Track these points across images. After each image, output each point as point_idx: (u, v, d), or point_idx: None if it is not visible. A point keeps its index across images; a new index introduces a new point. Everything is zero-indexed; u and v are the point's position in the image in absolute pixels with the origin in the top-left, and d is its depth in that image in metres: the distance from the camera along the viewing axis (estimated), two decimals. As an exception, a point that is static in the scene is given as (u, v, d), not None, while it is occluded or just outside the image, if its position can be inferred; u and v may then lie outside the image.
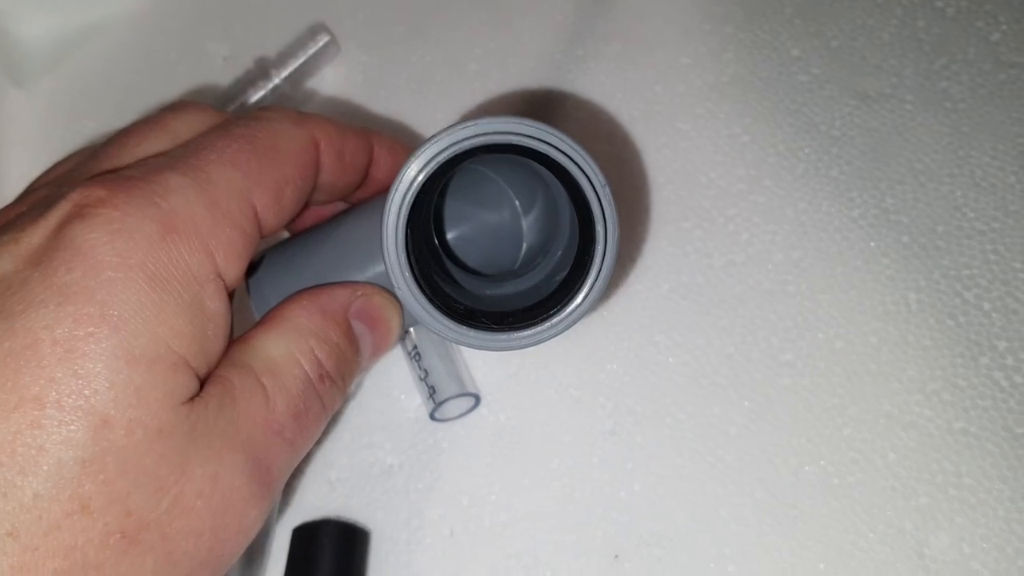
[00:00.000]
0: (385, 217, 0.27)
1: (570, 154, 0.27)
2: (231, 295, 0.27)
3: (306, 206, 0.32)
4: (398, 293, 0.28)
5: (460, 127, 0.27)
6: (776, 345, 0.38)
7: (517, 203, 0.35)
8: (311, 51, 0.46)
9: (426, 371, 0.37)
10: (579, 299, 0.28)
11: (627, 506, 0.36)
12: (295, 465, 0.29)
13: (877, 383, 0.37)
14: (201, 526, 0.25)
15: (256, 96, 0.45)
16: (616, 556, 0.35)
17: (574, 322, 0.29)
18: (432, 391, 0.37)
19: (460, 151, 0.27)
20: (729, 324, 0.39)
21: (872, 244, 0.40)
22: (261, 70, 0.45)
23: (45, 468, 0.22)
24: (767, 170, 0.42)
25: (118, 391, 0.23)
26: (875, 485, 0.36)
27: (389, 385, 0.39)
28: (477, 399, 0.38)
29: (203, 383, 0.25)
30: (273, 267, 0.33)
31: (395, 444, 0.38)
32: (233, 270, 0.26)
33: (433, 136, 0.27)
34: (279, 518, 0.37)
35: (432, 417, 0.38)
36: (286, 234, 0.36)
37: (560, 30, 0.47)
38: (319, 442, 0.38)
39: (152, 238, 0.24)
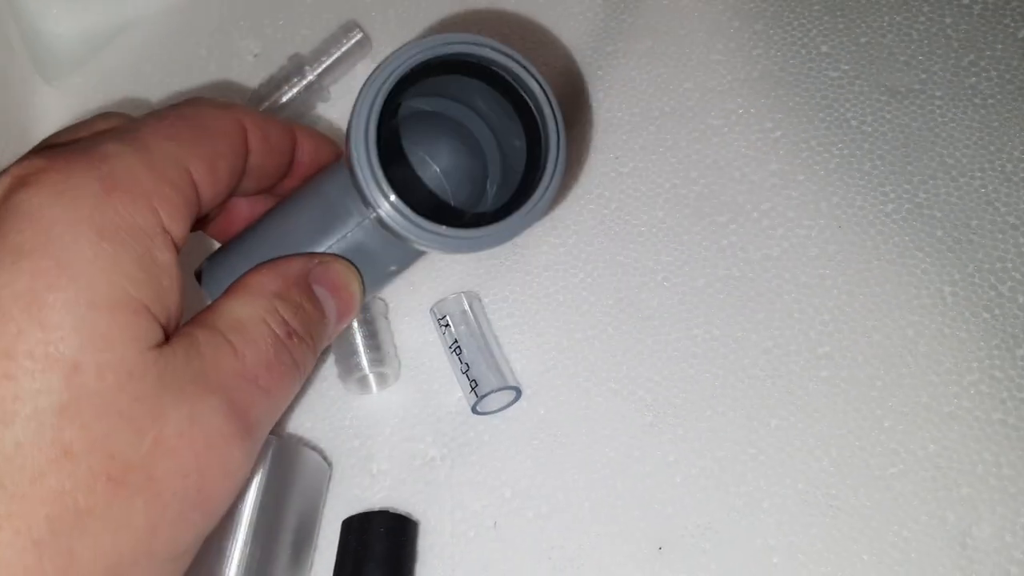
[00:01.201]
0: (356, 119, 0.30)
1: (518, 59, 0.32)
2: (178, 252, 0.28)
3: (239, 203, 0.35)
4: (381, 212, 0.29)
5: (414, 45, 0.30)
6: (814, 338, 0.39)
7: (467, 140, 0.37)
8: (344, 48, 0.46)
9: (468, 364, 0.37)
10: (546, 179, 0.32)
11: (670, 498, 0.36)
12: (275, 416, 0.30)
13: (915, 375, 0.38)
14: (185, 465, 0.26)
15: (289, 94, 0.45)
16: (660, 548, 0.35)
17: (550, 200, 0.32)
18: (474, 384, 0.37)
19: (417, 61, 0.30)
20: (766, 318, 0.39)
21: (906, 238, 0.40)
22: (294, 66, 0.45)
23: (23, 417, 0.23)
24: (800, 165, 0.43)
25: (84, 337, 0.24)
26: (916, 476, 0.36)
27: (429, 379, 0.39)
28: (518, 392, 0.38)
29: (168, 336, 0.27)
30: (224, 254, 0.34)
31: (436, 437, 0.38)
32: (177, 227, 0.28)
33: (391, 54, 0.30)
34: (322, 509, 0.37)
35: (474, 410, 0.38)
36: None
37: (590, 26, 0.47)
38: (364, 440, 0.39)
39: (96, 195, 0.25)
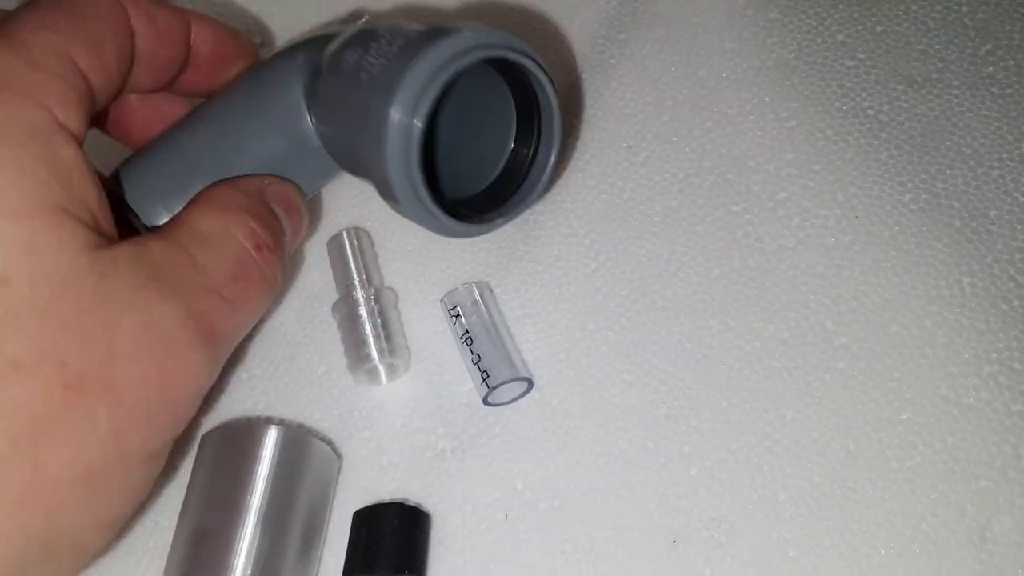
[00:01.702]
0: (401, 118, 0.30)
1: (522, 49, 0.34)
2: (80, 146, 0.27)
3: (139, 100, 0.35)
4: (400, 195, 0.32)
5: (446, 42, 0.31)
6: (831, 329, 0.38)
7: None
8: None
9: (479, 355, 0.37)
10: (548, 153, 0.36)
11: (684, 491, 0.36)
12: (242, 329, 0.31)
13: (933, 367, 0.37)
14: (145, 371, 0.26)
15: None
16: (674, 541, 0.35)
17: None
18: (485, 375, 0.36)
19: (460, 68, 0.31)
20: (782, 308, 0.39)
21: (924, 228, 0.40)
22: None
23: None
24: (816, 154, 0.42)
25: (6, 248, 0.23)
26: (934, 468, 0.35)
27: (440, 370, 0.39)
28: (530, 383, 0.38)
29: (106, 239, 0.26)
30: (148, 161, 0.34)
31: (447, 429, 0.38)
32: (74, 121, 0.27)
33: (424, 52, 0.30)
34: (332, 501, 0.36)
35: (485, 402, 0.37)
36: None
37: (602, 14, 0.47)
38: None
39: None
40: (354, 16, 0.46)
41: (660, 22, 0.46)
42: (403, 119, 0.30)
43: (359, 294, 0.38)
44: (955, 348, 0.37)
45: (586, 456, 0.37)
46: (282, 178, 0.33)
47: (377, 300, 0.38)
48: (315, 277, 0.41)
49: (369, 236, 0.42)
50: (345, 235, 0.40)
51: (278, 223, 0.32)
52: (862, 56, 0.44)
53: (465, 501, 0.36)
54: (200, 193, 0.31)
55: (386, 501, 0.35)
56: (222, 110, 0.35)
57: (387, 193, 0.33)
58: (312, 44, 0.35)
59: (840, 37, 0.45)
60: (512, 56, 0.33)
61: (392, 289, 0.40)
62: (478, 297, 0.38)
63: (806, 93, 0.44)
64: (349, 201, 0.43)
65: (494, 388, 0.36)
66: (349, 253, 0.39)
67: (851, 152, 0.42)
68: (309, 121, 0.34)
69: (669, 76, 0.45)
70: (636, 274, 0.40)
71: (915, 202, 0.40)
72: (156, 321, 0.26)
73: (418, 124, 0.30)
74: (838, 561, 0.34)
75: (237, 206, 0.30)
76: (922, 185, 0.41)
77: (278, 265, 0.32)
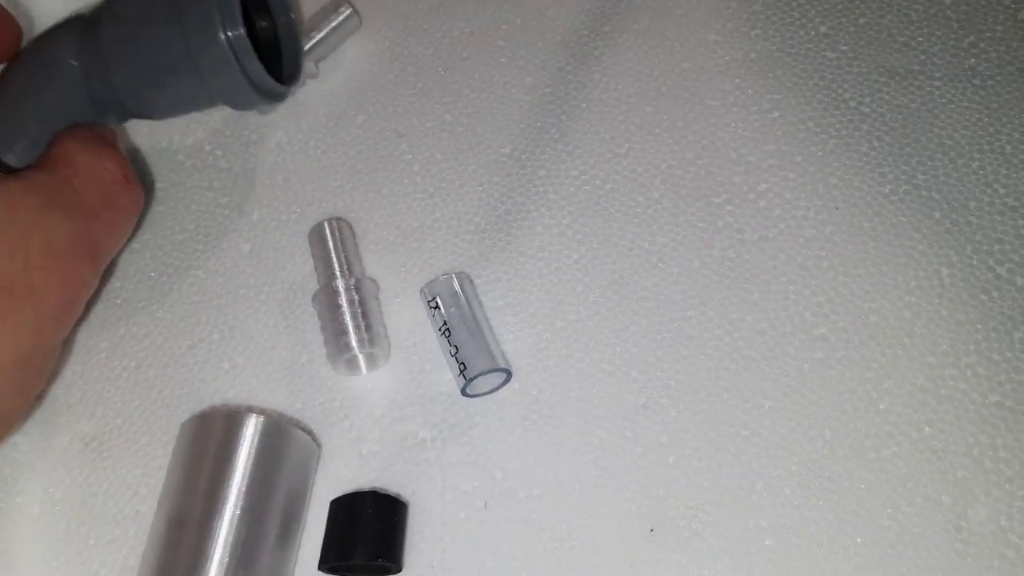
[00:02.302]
0: None
1: None
2: None
3: None
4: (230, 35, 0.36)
5: None
6: (810, 320, 0.38)
7: None
8: (332, 24, 0.45)
9: (456, 347, 0.37)
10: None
11: (662, 480, 0.36)
12: (115, 248, 0.38)
13: (911, 357, 0.37)
14: (54, 279, 0.33)
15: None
16: (652, 530, 0.35)
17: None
18: (463, 367, 0.37)
19: None
20: (762, 299, 0.39)
21: (904, 219, 0.40)
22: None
23: None
24: (797, 146, 0.42)
25: None
26: (911, 459, 0.35)
27: (420, 360, 0.39)
28: (508, 374, 0.38)
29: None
30: None
31: (427, 418, 0.38)
32: None
33: None
34: (311, 490, 0.37)
35: (464, 393, 0.37)
36: None
37: (587, 5, 0.47)
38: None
39: None
40: (335, 4, 0.46)
41: (644, 14, 0.46)
42: (235, 33, 0.36)
43: (340, 284, 0.38)
44: (933, 338, 0.38)
45: (565, 445, 0.37)
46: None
47: (358, 290, 0.38)
48: (296, 267, 0.41)
49: (351, 227, 0.42)
50: (327, 225, 0.40)
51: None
52: (844, 48, 0.45)
53: (445, 490, 0.36)
54: (68, 132, 0.37)
55: (363, 489, 0.35)
56: (10, 107, 0.39)
57: (235, 96, 0.39)
58: (68, 21, 0.40)
59: (823, 29, 0.45)
60: None
61: (373, 280, 0.40)
62: (457, 288, 0.38)
63: (788, 85, 0.44)
64: (331, 192, 0.43)
65: (471, 380, 0.36)
66: (330, 243, 0.39)
67: (832, 143, 0.42)
68: (92, 87, 0.38)
69: (652, 68, 0.45)
70: (617, 265, 0.40)
71: (895, 193, 0.41)
72: (56, 239, 0.33)
73: (242, 32, 0.36)
74: (814, 549, 0.34)
75: (104, 143, 0.37)
76: (903, 176, 0.41)
77: (139, 198, 0.38)
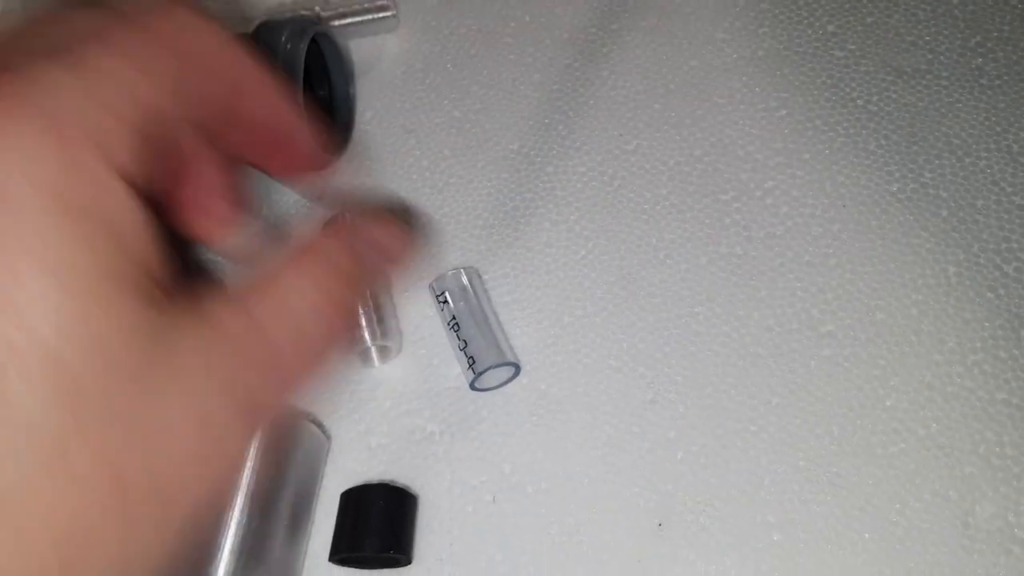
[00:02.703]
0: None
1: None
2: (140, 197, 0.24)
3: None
4: None
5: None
6: (817, 317, 0.38)
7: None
8: (369, 17, 0.46)
9: (465, 341, 0.37)
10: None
11: (670, 475, 0.36)
12: (289, 401, 0.26)
13: (918, 354, 0.37)
14: (195, 471, 0.22)
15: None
16: (660, 524, 0.35)
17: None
18: (472, 361, 0.37)
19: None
20: (769, 296, 0.39)
21: (911, 217, 0.40)
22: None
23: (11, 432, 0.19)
24: (805, 144, 0.42)
25: (65, 325, 0.20)
26: (918, 455, 0.36)
27: (430, 354, 0.39)
28: (517, 368, 0.38)
29: (171, 307, 0.23)
30: None
31: (435, 412, 0.38)
32: (140, 172, 0.23)
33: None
34: (320, 482, 0.37)
35: (472, 387, 0.37)
36: None
37: (595, 3, 0.47)
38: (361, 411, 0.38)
39: (49, 150, 0.21)
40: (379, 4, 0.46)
41: (652, 11, 0.46)
42: None
43: (349, 278, 0.38)
44: (940, 336, 0.38)
45: (573, 440, 0.37)
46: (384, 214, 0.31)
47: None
48: (306, 262, 0.41)
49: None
50: (339, 219, 0.40)
51: (358, 269, 0.28)
52: (852, 47, 0.45)
53: (453, 483, 0.37)
54: (288, 253, 0.26)
55: (373, 482, 0.36)
56: None
57: None
58: None
59: (831, 28, 0.45)
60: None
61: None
62: (466, 282, 0.39)
63: (796, 83, 0.44)
64: (341, 188, 0.43)
65: (480, 374, 0.37)
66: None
67: (840, 142, 0.42)
68: None
69: (660, 65, 0.45)
70: (625, 261, 0.40)
71: (903, 191, 0.41)
72: (214, 414, 0.23)
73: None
74: (821, 545, 0.34)
75: (320, 258, 0.26)
76: (910, 175, 0.41)
77: (343, 330, 0.28)
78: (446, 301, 0.38)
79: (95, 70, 0.23)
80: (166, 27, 0.25)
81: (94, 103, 0.22)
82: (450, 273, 0.39)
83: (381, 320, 0.37)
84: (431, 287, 0.39)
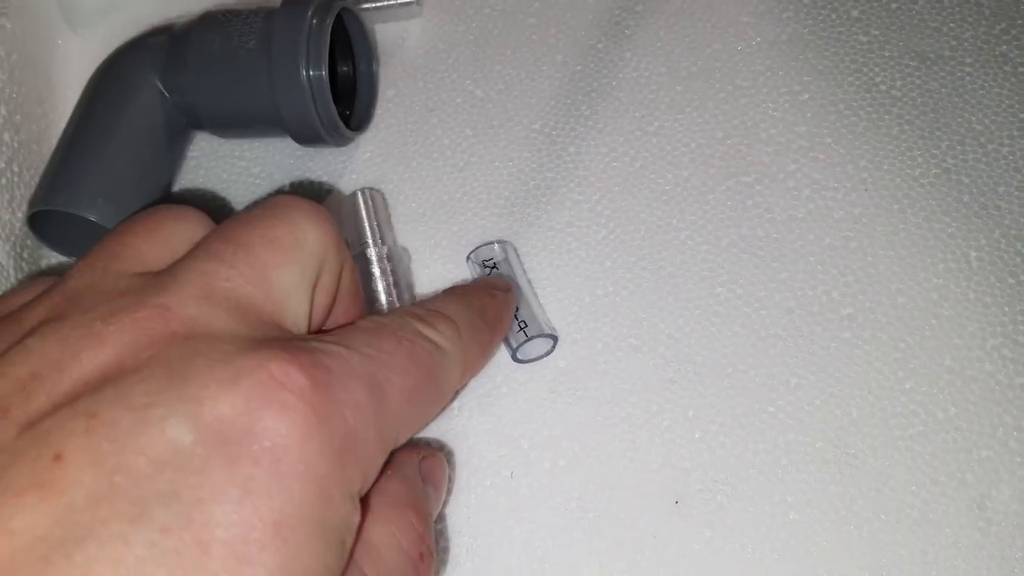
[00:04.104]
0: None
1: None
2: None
3: None
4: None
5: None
6: (837, 299, 0.38)
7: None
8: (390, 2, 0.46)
9: (516, 307, 0.37)
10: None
11: (688, 453, 0.36)
12: None
13: (938, 338, 0.37)
14: None
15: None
16: (676, 502, 0.35)
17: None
18: (523, 324, 0.37)
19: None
20: (789, 278, 0.39)
21: (933, 202, 0.40)
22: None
23: None
24: (827, 128, 0.42)
25: None
26: (936, 438, 0.36)
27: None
28: (555, 341, 0.38)
29: None
30: (55, 176, 0.39)
31: (455, 387, 0.38)
32: (368, 488, 0.25)
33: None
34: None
35: (515, 358, 0.37)
36: None
37: (619, -15, 0.47)
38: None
39: (334, 454, 0.22)
40: None
41: (676, -6, 0.46)
42: (316, 73, 0.38)
43: (372, 252, 0.38)
44: (960, 320, 0.38)
45: (592, 417, 0.37)
46: (431, 448, 0.33)
47: (390, 258, 0.39)
48: (328, 237, 0.42)
49: (383, 196, 0.42)
50: (360, 195, 0.40)
51: (432, 516, 0.30)
52: (876, 32, 0.45)
53: (470, 457, 0.37)
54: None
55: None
56: (96, 119, 0.40)
57: (303, 132, 0.40)
58: (149, 43, 0.42)
59: (855, 13, 0.45)
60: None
61: (405, 248, 0.40)
62: (513, 253, 0.39)
63: (819, 67, 0.44)
64: (364, 163, 0.44)
65: (531, 338, 0.37)
66: (363, 212, 0.40)
67: (862, 126, 0.42)
68: (172, 104, 0.41)
69: (683, 47, 0.45)
70: (646, 241, 0.40)
71: (925, 176, 0.41)
72: None
73: (324, 73, 0.38)
74: (838, 525, 0.34)
75: (402, 502, 0.27)
76: (932, 160, 0.41)
77: (434, 569, 0.28)
78: (495, 267, 0.38)
79: (387, 407, 0.25)
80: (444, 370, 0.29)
81: (376, 432, 0.24)
82: (496, 244, 0.39)
83: (401, 296, 0.38)
84: (470, 258, 0.39)
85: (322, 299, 0.29)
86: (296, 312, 0.26)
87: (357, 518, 0.23)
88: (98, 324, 0.23)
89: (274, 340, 0.24)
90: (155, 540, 0.19)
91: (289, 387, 0.21)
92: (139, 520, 0.19)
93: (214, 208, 0.43)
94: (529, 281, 0.39)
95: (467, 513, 0.36)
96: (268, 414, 0.21)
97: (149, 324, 0.23)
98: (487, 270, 0.39)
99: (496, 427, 0.37)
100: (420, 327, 0.29)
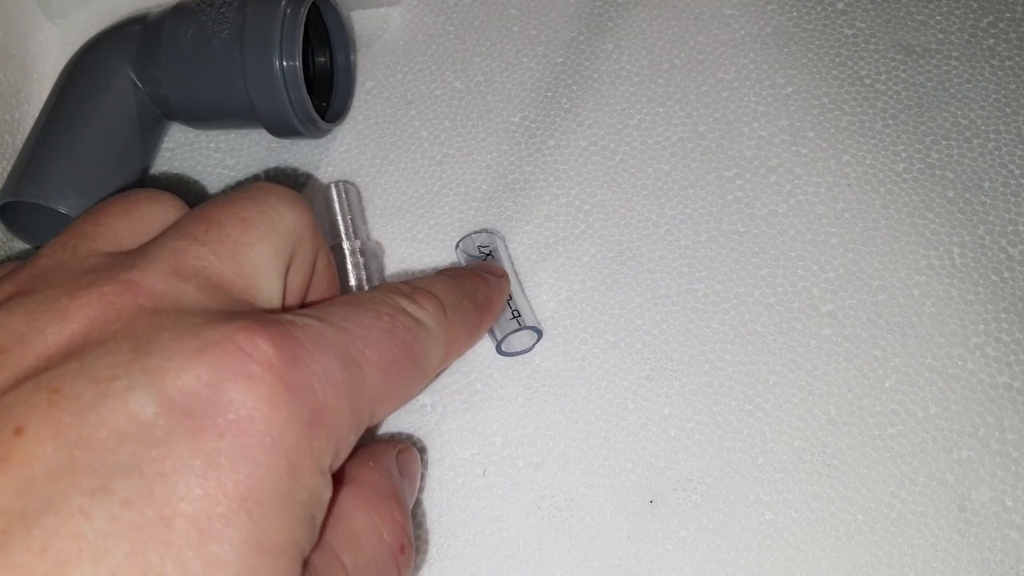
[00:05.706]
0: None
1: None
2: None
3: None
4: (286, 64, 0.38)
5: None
6: (817, 296, 0.38)
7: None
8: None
9: (510, 295, 0.37)
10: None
11: (663, 452, 0.35)
12: None
13: (920, 336, 0.37)
14: None
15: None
16: (651, 501, 0.35)
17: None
18: (516, 313, 0.36)
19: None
20: (770, 274, 0.38)
21: (916, 198, 0.39)
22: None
23: None
24: (810, 121, 0.42)
25: None
26: (916, 437, 0.35)
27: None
28: (539, 335, 0.37)
29: None
30: (26, 168, 0.39)
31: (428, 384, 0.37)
32: (340, 464, 0.24)
33: None
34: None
35: (499, 350, 0.37)
36: None
37: (601, -23, 0.46)
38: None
39: (303, 426, 0.21)
40: None
41: (659, -15, 0.46)
42: (289, 64, 0.38)
43: (345, 246, 0.38)
44: (943, 318, 0.37)
45: (566, 414, 0.36)
46: (406, 443, 0.33)
47: (363, 252, 0.38)
48: (302, 230, 0.41)
49: (358, 190, 0.41)
50: (333, 188, 0.40)
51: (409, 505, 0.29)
52: (861, 25, 0.44)
53: (443, 455, 0.36)
54: (345, 471, 0.27)
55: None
56: (68, 109, 0.40)
57: (277, 125, 0.40)
58: (123, 33, 0.41)
59: (840, 6, 0.45)
60: None
61: (379, 243, 0.40)
62: (501, 242, 0.39)
63: (803, 61, 0.43)
64: (341, 155, 0.43)
65: (520, 329, 0.36)
66: (336, 206, 0.39)
67: (846, 120, 0.41)
68: (145, 94, 0.40)
69: (666, 40, 0.44)
70: (625, 236, 0.40)
71: (908, 171, 0.40)
72: None
73: (298, 64, 0.38)
74: (814, 525, 0.34)
75: (383, 493, 0.27)
76: (916, 155, 0.40)
77: (413, 563, 0.28)
78: (490, 254, 0.38)
79: (362, 380, 0.24)
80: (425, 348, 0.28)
81: (350, 408, 0.23)
82: (484, 233, 0.39)
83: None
84: (458, 246, 0.39)
85: (296, 282, 0.28)
86: (269, 291, 0.26)
87: (328, 493, 0.23)
88: (64, 299, 0.22)
89: (243, 313, 0.23)
90: (116, 514, 0.18)
91: (256, 358, 0.21)
92: (100, 493, 0.19)
93: (188, 199, 0.42)
94: (516, 273, 0.39)
95: (439, 511, 0.35)
96: (234, 385, 0.20)
97: (116, 299, 0.22)
98: (482, 256, 0.38)
99: (469, 424, 0.37)
100: (403, 302, 0.28)
